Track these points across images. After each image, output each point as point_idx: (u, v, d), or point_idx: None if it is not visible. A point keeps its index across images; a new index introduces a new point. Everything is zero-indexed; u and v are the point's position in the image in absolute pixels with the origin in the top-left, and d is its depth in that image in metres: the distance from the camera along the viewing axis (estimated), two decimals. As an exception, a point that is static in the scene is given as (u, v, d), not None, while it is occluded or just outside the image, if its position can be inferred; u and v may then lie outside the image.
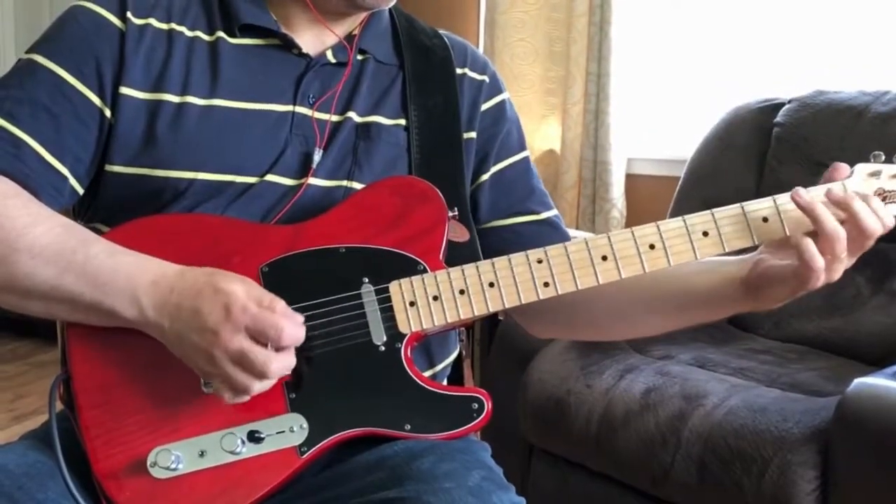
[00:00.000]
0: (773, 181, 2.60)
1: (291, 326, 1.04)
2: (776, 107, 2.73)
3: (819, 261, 1.09)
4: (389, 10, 1.32)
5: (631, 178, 3.43)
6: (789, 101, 2.71)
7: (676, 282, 1.24)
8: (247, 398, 1.06)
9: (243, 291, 1.04)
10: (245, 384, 1.04)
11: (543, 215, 1.37)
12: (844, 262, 1.12)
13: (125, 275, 1.07)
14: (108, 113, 1.18)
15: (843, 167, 1.16)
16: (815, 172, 2.49)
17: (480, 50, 3.52)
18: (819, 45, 3.12)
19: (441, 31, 1.38)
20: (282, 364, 1.05)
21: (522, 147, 1.40)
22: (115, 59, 1.19)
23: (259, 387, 1.05)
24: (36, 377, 3.95)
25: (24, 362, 4.18)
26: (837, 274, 1.12)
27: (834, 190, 1.12)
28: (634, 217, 3.37)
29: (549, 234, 1.34)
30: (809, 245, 1.09)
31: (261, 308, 1.03)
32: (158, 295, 1.06)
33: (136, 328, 1.08)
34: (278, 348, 1.04)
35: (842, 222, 1.10)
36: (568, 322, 1.35)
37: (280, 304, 1.06)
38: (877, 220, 1.10)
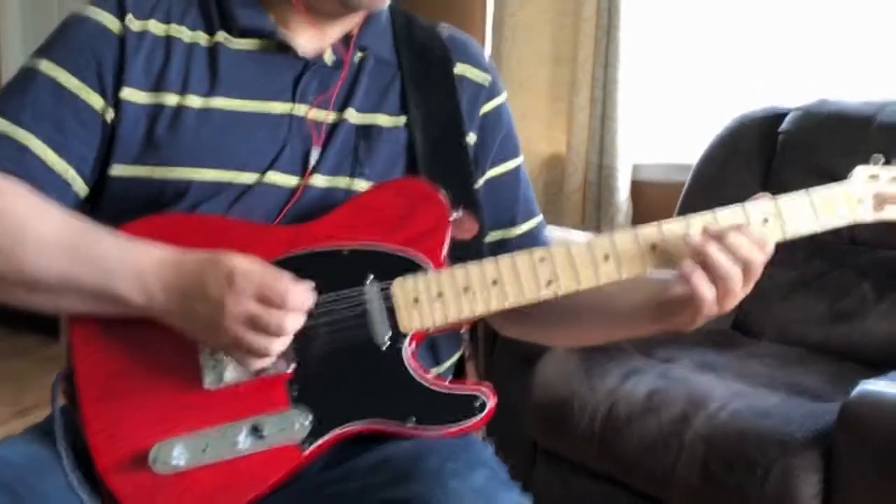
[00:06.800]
0: (778, 189, 2.58)
1: (297, 289, 1.05)
2: (781, 115, 2.73)
3: (709, 293, 1.09)
4: (388, 7, 1.32)
5: (636, 184, 3.43)
6: (794, 110, 2.71)
7: (604, 298, 1.22)
8: (269, 361, 1.07)
9: (246, 261, 1.06)
10: (263, 345, 1.05)
11: (522, 229, 1.37)
12: (739, 294, 1.10)
13: (132, 261, 1.08)
14: (109, 116, 1.19)
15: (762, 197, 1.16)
16: (819, 181, 2.47)
17: (487, 53, 3.52)
18: (824, 54, 3.11)
19: (443, 25, 1.37)
20: (297, 321, 1.06)
21: (517, 153, 1.39)
22: (115, 63, 1.19)
23: (278, 346, 1.06)
24: (39, 372, 3.93)
25: (27, 357, 4.17)
26: (731, 305, 1.11)
27: (692, 238, 1.11)
28: (640, 223, 3.36)
29: (528, 246, 1.28)
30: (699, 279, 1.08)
31: (264, 274, 1.05)
32: (165, 276, 1.07)
33: (143, 316, 1.09)
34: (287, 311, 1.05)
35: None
36: (534, 325, 1.35)
37: (286, 273, 1.07)
38: (734, 261, 1.08)
